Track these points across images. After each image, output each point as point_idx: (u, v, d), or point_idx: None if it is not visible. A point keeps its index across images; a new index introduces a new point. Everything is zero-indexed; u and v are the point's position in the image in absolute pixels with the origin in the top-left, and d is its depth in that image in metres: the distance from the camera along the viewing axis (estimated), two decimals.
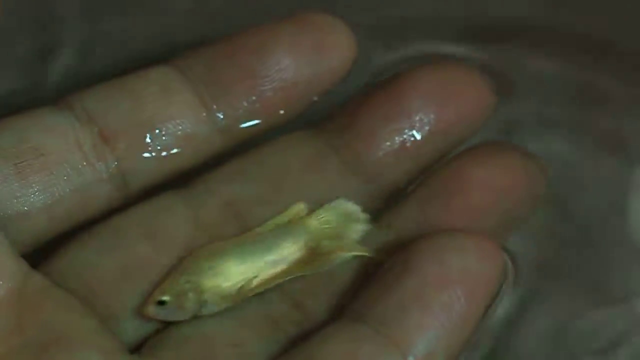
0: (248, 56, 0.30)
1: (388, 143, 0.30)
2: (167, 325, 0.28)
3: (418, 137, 0.30)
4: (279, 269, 0.29)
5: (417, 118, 0.30)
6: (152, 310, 0.28)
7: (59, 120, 0.29)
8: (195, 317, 0.28)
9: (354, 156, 0.30)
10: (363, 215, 0.29)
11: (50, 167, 0.28)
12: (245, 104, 0.30)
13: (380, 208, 0.30)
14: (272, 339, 0.28)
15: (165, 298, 0.28)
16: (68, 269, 0.29)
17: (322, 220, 0.29)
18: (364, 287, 0.28)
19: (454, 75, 0.30)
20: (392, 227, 0.29)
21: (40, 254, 0.29)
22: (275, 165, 0.30)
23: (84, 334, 0.27)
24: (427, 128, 0.30)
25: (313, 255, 0.29)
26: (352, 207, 0.29)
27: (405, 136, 0.30)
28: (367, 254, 0.29)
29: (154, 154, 0.29)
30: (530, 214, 0.30)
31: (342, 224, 0.29)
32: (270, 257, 0.29)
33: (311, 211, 0.30)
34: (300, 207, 0.29)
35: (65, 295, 0.28)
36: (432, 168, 0.30)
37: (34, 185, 0.28)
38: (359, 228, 0.29)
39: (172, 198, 0.30)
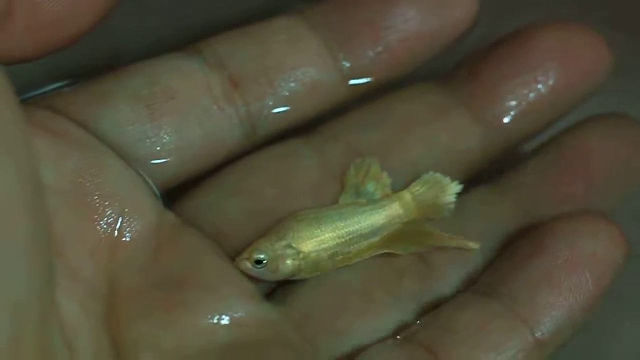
0: (374, 6, 0.30)
1: (511, 96, 0.30)
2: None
3: (539, 92, 0.30)
4: (373, 243, 0.29)
5: (540, 74, 0.30)
6: (246, 265, 0.28)
7: (190, 64, 0.29)
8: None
9: (478, 107, 0.30)
10: (456, 187, 0.29)
11: (181, 110, 0.28)
12: (370, 53, 0.30)
13: (499, 161, 0.31)
14: (398, 293, 0.28)
15: (264, 258, 0.28)
16: (196, 210, 0.29)
17: (416, 194, 0.29)
18: (496, 263, 0.28)
19: (576, 34, 0.31)
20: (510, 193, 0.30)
21: (167, 198, 0.29)
22: (401, 113, 0.31)
23: (220, 274, 0.27)
24: (549, 84, 0.30)
25: (406, 234, 0.29)
26: (445, 180, 0.29)
27: (527, 91, 0.30)
28: (463, 245, 0.29)
29: (281, 101, 0.29)
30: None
31: (435, 197, 0.29)
32: (366, 231, 0.29)
33: (406, 185, 0.30)
34: (369, 163, 0.29)
35: (199, 234, 0.28)
36: (552, 134, 0.31)
37: (165, 127, 0.28)
38: (451, 201, 0.29)
39: (298, 144, 0.30)
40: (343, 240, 0.29)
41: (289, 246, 0.28)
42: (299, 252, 0.28)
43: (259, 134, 0.30)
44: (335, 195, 0.29)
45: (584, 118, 0.31)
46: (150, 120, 0.28)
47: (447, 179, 0.29)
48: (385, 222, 0.29)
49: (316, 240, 0.28)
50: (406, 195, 0.29)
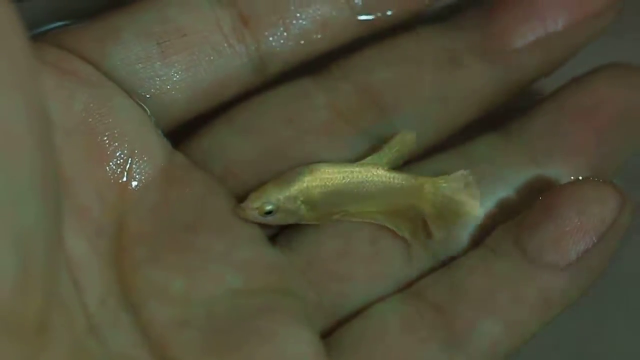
0: None
1: (521, 38, 0.30)
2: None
3: (550, 32, 0.30)
4: (381, 213, 0.28)
5: (550, 15, 0.30)
6: (252, 214, 0.27)
7: (200, 1, 0.28)
8: None
9: (489, 49, 0.30)
10: (476, 208, 0.29)
11: (192, 48, 0.28)
12: None
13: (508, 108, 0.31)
14: (406, 243, 0.28)
15: (273, 209, 0.27)
16: (206, 150, 0.29)
17: (438, 189, 0.29)
18: (508, 223, 0.28)
19: None
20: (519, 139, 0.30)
21: (177, 136, 0.29)
22: (412, 55, 0.30)
23: (228, 219, 0.27)
24: (558, 24, 0.30)
25: (415, 219, 0.29)
26: (474, 191, 0.28)
27: (537, 32, 0.30)
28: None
29: (292, 38, 0.29)
30: None
31: (456, 207, 0.29)
32: (377, 200, 0.28)
33: (435, 176, 0.29)
34: (408, 137, 0.29)
35: (207, 176, 0.28)
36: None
37: (176, 64, 0.28)
38: (471, 213, 0.29)
39: (309, 83, 0.30)
40: (352, 201, 0.28)
41: (298, 197, 0.28)
42: (307, 204, 0.28)
43: (269, 71, 0.29)
44: (346, 136, 0.29)
45: (592, 68, 0.31)
46: (161, 58, 0.28)
47: (477, 190, 0.29)
48: (397, 201, 0.28)
49: (325, 193, 0.28)
50: (428, 186, 0.28)
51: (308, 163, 0.28)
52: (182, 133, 0.29)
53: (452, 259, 0.28)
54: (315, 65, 0.30)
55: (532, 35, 0.30)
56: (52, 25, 0.30)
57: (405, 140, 0.29)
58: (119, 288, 0.25)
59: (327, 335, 0.27)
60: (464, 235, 0.29)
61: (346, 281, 0.28)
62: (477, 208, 0.29)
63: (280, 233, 0.29)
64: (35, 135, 0.20)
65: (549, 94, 0.31)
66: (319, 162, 0.28)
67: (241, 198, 0.28)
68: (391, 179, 0.28)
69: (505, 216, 0.29)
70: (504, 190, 0.29)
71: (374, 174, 0.28)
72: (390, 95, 0.29)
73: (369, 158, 0.28)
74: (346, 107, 0.29)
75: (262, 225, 0.28)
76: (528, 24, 0.30)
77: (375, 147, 0.29)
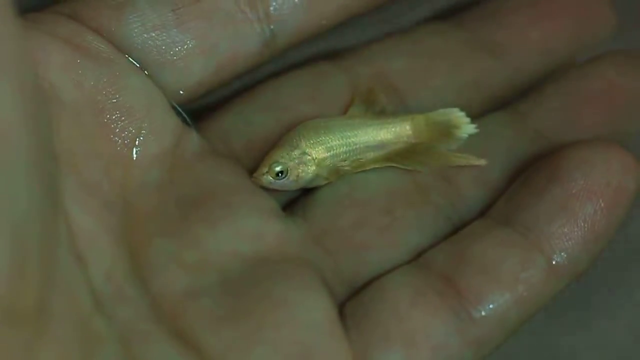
0: None
1: (529, 36, 0.31)
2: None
3: (554, 34, 0.31)
4: (380, 154, 0.29)
5: (556, 21, 0.31)
6: (268, 179, 0.28)
7: None
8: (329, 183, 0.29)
9: (500, 47, 0.31)
10: (471, 128, 0.29)
11: (206, 14, 0.28)
12: None
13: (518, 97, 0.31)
14: (423, 211, 0.29)
15: (284, 169, 0.28)
16: (231, 125, 0.29)
17: (430, 120, 0.29)
18: (511, 189, 0.28)
19: None
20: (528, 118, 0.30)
21: (196, 113, 0.29)
22: (427, 46, 0.31)
23: (239, 193, 0.28)
24: (564, 28, 0.31)
25: (413, 151, 0.29)
26: (464, 118, 0.29)
27: (543, 31, 0.31)
28: (470, 162, 0.29)
29: (301, 7, 0.29)
30: None
31: (448, 128, 0.29)
32: (373, 142, 0.29)
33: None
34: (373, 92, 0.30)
35: (219, 153, 0.29)
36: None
37: (191, 31, 0.28)
38: (463, 137, 0.29)
39: (329, 66, 0.31)
40: (351, 148, 0.29)
41: (304, 153, 0.28)
42: (314, 159, 0.28)
43: (279, 43, 0.29)
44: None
45: (603, 52, 0.31)
46: (176, 25, 0.28)
47: (466, 118, 0.29)
48: (391, 138, 0.29)
49: (327, 146, 0.29)
50: (419, 118, 0.29)
51: (302, 122, 0.29)
52: (201, 110, 0.30)
53: (465, 225, 0.28)
54: (333, 51, 0.31)
55: (536, 33, 0.31)
56: None
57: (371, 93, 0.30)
58: (127, 263, 0.26)
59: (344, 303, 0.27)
60: (477, 198, 0.29)
61: (362, 250, 0.28)
62: (469, 124, 0.29)
63: (296, 204, 0.29)
64: (29, 120, 0.20)
65: (557, 77, 0.31)
66: (312, 119, 0.29)
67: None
68: (384, 120, 0.29)
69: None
70: (513, 165, 0.29)
71: (367, 119, 0.29)
72: (406, 80, 0.30)
73: (351, 108, 0.29)
74: (365, 88, 0.30)
75: (279, 195, 0.29)
76: (537, 26, 0.31)
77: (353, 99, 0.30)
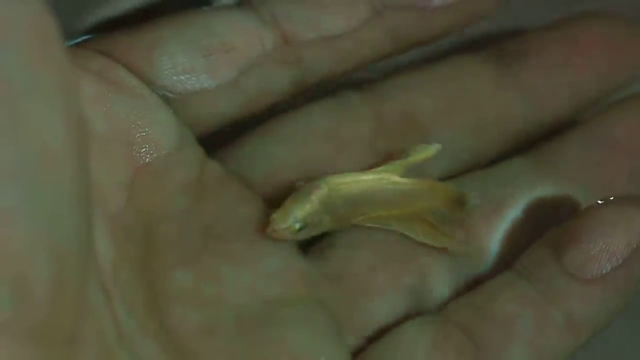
0: None
1: (558, 75, 0.31)
2: None
3: (585, 76, 0.31)
4: (396, 219, 0.29)
5: (589, 61, 0.31)
6: (287, 235, 0.28)
7: (244, 19, 0.29)
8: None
9: (528, 86, 0.31)
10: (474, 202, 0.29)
11: (237, 63, 0.28)
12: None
13: (543, 138, 0.31)
14: (441, 259, 0.29)
15: (304, 225, 0.28)
16: (249, 156, 0.29)
17: (449, 188, 0.29)
18: (534, 245, 0.28)
19: (620, 28, 0.32)
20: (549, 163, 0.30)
21: (214, 142, 0.29)
22: (455, 84, 0.31)
23: (260, 227, 0.28)
24: (596, 70, 0.31)
25: (427, 223, 0.29)
26: (474, 200, 0.29)
27: (573, 75, 0.31)
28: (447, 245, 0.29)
29: (331, 59, 0.29)
30: None
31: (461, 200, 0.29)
32: (391, 206, 0.29)
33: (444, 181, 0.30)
34: (429, 150, 0.29)
35: (241, 186, 0.28)
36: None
37: (221, 78, 0.28)
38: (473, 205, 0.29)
39: (353, 96, 0.30)
40: (369, 207, 0.29)
41: (322, 209, 0.28)
42: (329, 214, 0.28)
43: (308, 82, 0.30)
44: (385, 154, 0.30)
45: (627, 95, 0.31)
46: (206, 70, 0.28)
47: (476, 199, 0.29)
48: (409, 203, 0.29)
49: (345, 203, 0.28)
50: (438, 186, 0.29)
51: (320, 177, 0.29)
52: (219, 139, 0.30)
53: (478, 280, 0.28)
54: (359, 82, 0.31)
55: (566, 76, 0.31)
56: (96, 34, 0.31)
57: (420, 151, 0.29)
58: (147, 294, 0.25)
59: (357, 353, 0.27)
60: (490, 253, 0.29)
61: (377, 296, 0.28)
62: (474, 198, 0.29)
63: (312, 245, 0.29)
64: (74, 148, 0.20)
65: (579, 121, 0.31)
66: (332, 174, 0.29)
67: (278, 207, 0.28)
68: (402, 183, 0.29)
69: (529, 240, 0.29)
70: (534, 214, 0.30)
71: (386, 180, 0.29)
72: (430, 119, 0.30)
73: (382, 167, 0.29)
74: (388, 125, 0.30)
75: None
76: (567, 66, 0.31)
77: (389, 155, 0.30)
